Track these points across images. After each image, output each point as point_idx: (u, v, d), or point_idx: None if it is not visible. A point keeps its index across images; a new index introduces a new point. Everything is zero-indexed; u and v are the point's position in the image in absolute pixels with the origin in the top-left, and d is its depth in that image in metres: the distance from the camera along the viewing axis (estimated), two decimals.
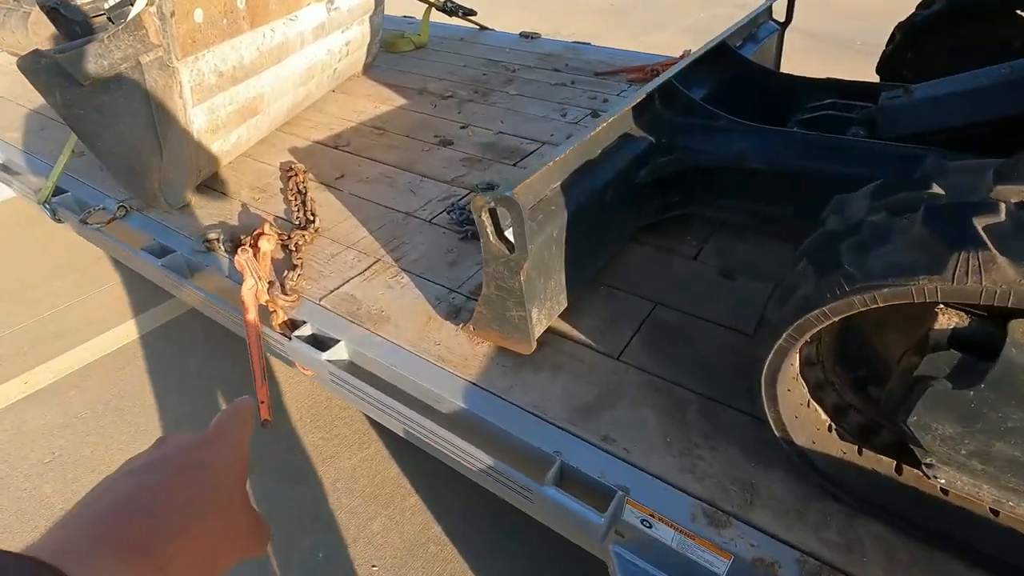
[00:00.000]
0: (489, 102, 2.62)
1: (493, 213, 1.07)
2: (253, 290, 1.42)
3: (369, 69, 2.97)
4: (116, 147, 1.77)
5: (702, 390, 1.18)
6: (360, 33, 2.61)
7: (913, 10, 2.07)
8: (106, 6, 2.20)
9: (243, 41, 1.78)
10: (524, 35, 3.48)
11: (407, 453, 1.99)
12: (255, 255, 1.49)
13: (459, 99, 2.66)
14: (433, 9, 3.44)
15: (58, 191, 2.09)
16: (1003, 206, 0.71)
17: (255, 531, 0.39)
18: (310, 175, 2.04)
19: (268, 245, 1.54)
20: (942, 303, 0.77)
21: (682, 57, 2.95)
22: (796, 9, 2.26)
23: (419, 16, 3.52)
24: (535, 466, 1.08)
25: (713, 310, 1.38)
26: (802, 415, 0.95)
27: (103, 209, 1.90)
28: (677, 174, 1.54)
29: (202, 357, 2.38)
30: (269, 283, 1.46)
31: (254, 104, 1.97)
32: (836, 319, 0.78)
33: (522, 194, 1.05)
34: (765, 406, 0.92)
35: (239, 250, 1.45)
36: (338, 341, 1.35)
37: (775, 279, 1.47)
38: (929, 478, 0.87)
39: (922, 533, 0.90)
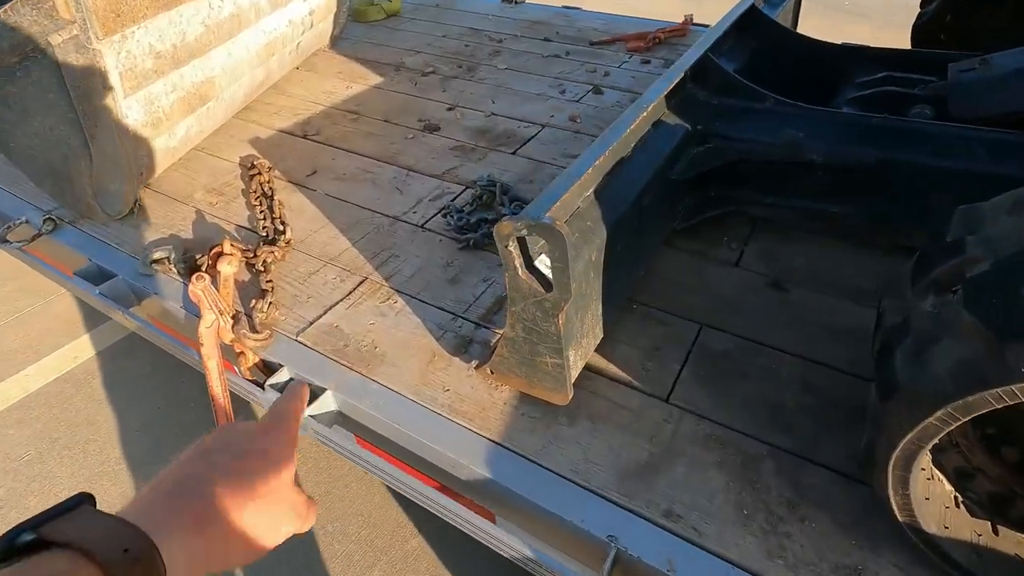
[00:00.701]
0: (476, 79, 2.32)
1: (522, 242, 0.83)
2: (214, 328, 1.15)
3: (337, 42, 2.63)
4: (32, 147, 1.45)
5: (775, 440, 0.97)
6: (325, 1, 2.27)
7: None
8: None
9: (184, 14, 1.46)
10: (506, 0, 3.15)
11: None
12: (214, 282, 1.21)
13: (442, 75, 2.36)
14: None
15: None
16: None
17: (301, 511, 0.43)
18: (276, 172, 1.75)
19: (230, 268, 1.27)
20: None
21: (685, 24, 2.69)
22: None
23: None
24: (584, 553, 0.87)
25: (770, 333, 1.17)
26: (932, 493, 0.75)
27: (26, 222, 1.59)
28: (718, 168, 1.31)
29: (165, 379, 2.10)
30: (234, 317, 1.19)
31: (204, 89, 1.65)
32: (983, 410, 0.57)
33: (561, 217, 0.80)
34: (890, 490, 0.72)
35: (194, 277, 1.18)
36: (324, 390, 1.10)
37: (834, 288, 1.29)
38: None
39: None
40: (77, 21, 1.20)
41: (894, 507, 0.73)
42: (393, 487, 1.10)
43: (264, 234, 1.46)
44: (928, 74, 1.41)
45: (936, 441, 0.67)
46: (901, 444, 0.67)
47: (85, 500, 0.34)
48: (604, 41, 2.62)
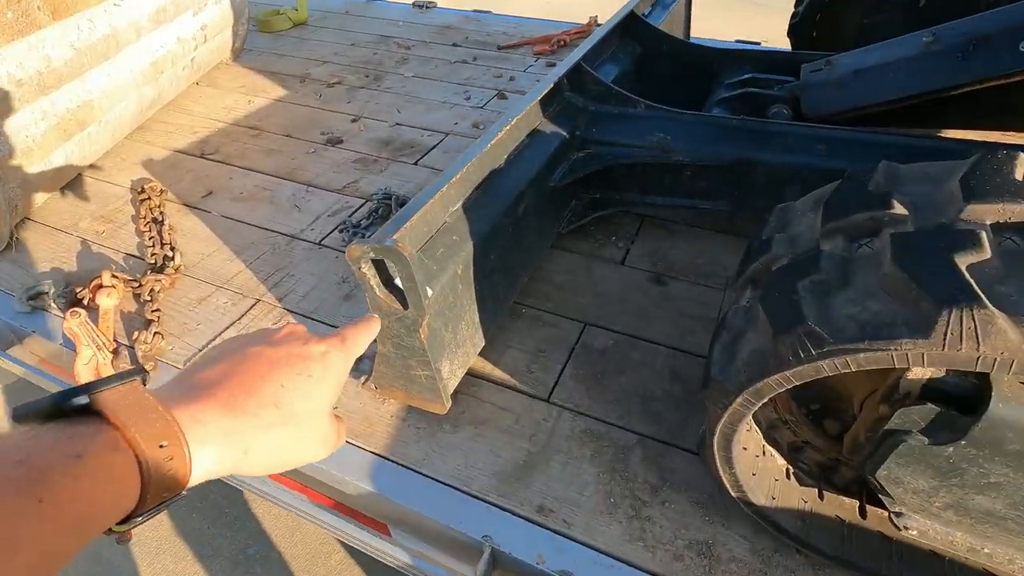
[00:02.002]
0: (383, 88, 2.32)
1: (379, 263, 0.85)
2: (92, 364, 1.12)
3: (240, 54, 2.57)
4: None
5: (644, 429, 1.04)
6: (219, 13, 2.22)
7: None
8: None
9: (46, 38, 1.40)
10: (417, 5, 3.16)
11: None
12: (94, 316, 1.18)
13: (348, 86, 2.35)
14: None
15: None
16: (984, 235, 0.58)
17: (331, 439, 0.43)
18: (169, 195, 1.70)
19: (110, 300, 1.24)
20: None
21: (590, 25, 2.76)
22: None
23: None
24: (463, 551, 0.91)
25: (648, 327, 1.24)
26: (759, 469, 0.83)
27: None
28: (596, 173, 1.37)
29: None
30: (113, 351, 1.16)
31: (81, 114, 1.59)
32: (798, 381, 0.64)
33: (408, 239, 0.83)
34: (719, 470, 0.79)
35: (68, 313, 1.15)
36: None
37: (712, 279, 1.37)
38: (899, 528, 0.77)
39: None
40: None
41: (726, 484, 0.80)
42: (285, 509, 1.11)
43: (152, 261, 1.42)
44: (788, 74, 1.52)
45: (747, 424, 0.74)
46: (718, 428, 0.73)
47: (137, 375, 0.35)
48: (511, 45, 2.66)
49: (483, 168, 1.10)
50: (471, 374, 1.14)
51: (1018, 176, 0.65)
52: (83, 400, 0.32)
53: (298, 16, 2.96)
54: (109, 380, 0.33)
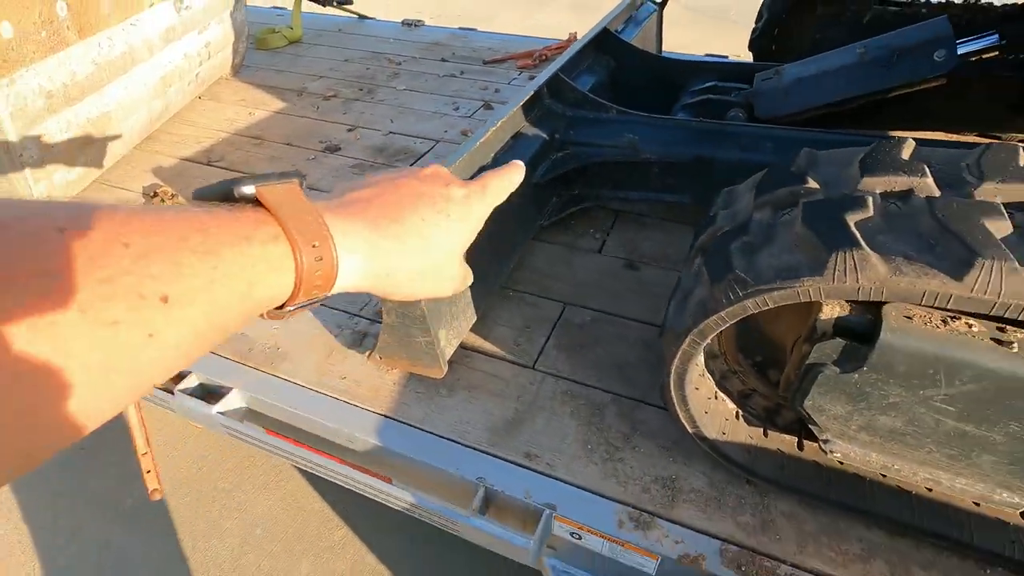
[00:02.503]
0: (376, 100, 2.48)
1: None
2: None
3: (240, 70, 2.71)
4: None
5: (618, 390, 1.18)
6: (221, 32, 2.37)
7: None
8: None
9: (72, 55, 1.54)
10: (407, 23, 3.33)
11: (327, 483, 1.88)
12: None
13: (343, 99, 2.50)
14: (306, 0, 3.20)
15: None
16: (870, 200, 0.74)
17: (458, 280, 0.46)
18: (179, 198, 1.83)
19: None
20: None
21: (569, 41, 2.95)
22: None
23: (289, 6, 3.26)
24: (460, 495, 1.04)
25: (621, 305, 1.39)
26: (711, 409, 0.97)
27: None
28: (574, 170, 1.53)
29: None
30: None
31: (100, 124, 1.73)
32: (732, 321, 0.80)
33: None
34: (676, 407, 0.93)
35: None
36: (230, 389, 1.22)
37: (680, 265, 1.53)
38: (826, 453, 0.92)
39: (826, 504, 0.96)
40: None
41: (683, 421, 0.95)
42: (304, 467, 1.23)
43: None
44: (745, 83, 1.70)
45: (696, 363, 0.89)
46: (672, 368, 0.88)
47: (296, 177, 0.36)
48: (496, 60, 2.84)
49: (472, 165, 1.25)
50: (464, 347, 1.28)
51: (904, 156, 0.81)
52: (250, 190, 0.34)
53: (293, 34, 3.12)
54: (272, 176, 0.36)
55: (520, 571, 1.57)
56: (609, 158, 1.51)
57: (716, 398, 1.00)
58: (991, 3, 1.62)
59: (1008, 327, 0.72)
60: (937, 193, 0.74)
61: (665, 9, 2.43)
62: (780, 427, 1.02)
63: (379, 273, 0.39)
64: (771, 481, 0.97)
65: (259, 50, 3.00)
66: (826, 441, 0.91)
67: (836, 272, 0.68)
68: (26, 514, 1.81)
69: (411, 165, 1.99)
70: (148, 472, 1.21)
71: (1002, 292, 0.62)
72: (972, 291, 0.63)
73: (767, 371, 1.03)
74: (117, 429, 2.04)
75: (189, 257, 0.29)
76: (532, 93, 1.46)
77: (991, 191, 0.72)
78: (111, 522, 1.79)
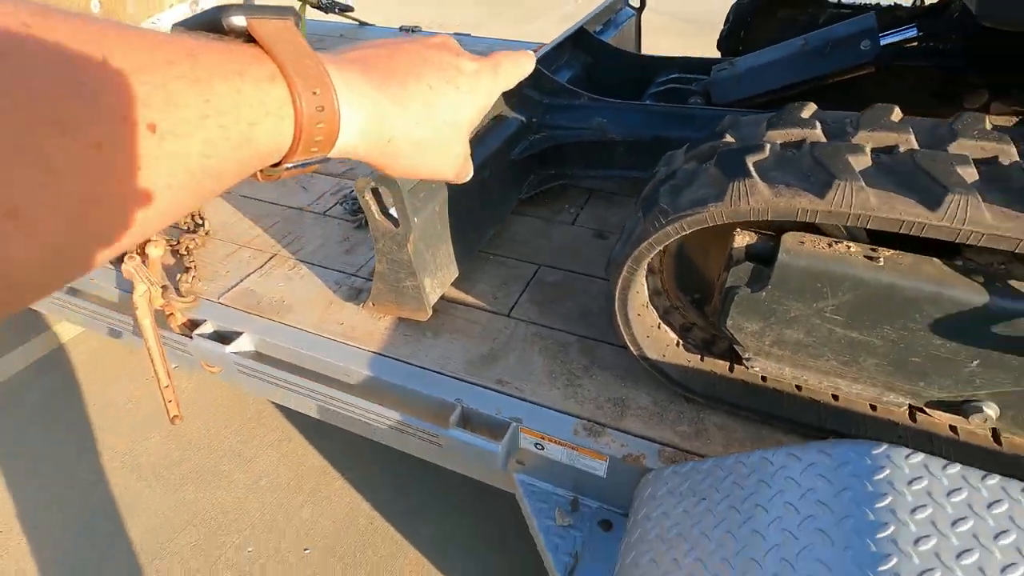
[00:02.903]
0: None
1: (376, 193, 1.17)
2: (146, 295, 1.42)
3: None
4: None
5: (581, 332, 1.35)
6: None
7: None
8: None
9: None
10: (404, 29, 3.54)
11: (327, 441, 2.05)
12: (143, 262, 1.48)
13: None
14: (308, 7, 3.41)
15: None
16: (768, 146, 0.92)
17: (460, 164, 0.44)
18: None
19: (156, 251, 1.53)
20: (738, 226, 0.98)
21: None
22: None
23: None
24: (441, 414, 1.21)
25: (589, 267, 1.56)
26: (653, 335, 1.14)
27: None
28: (549, 149, 1.71)
29: (40, 429, 2.28)
30: (162, 287, 1.46)
31: None
32: (660, 247, 0.97)
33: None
34: (621, 329, 1.10)
35: (126, 258, 1.44)
36: (241, 334, 1.39)
37: None
38: (749, 369, 1.09)
39: (752, 415, 1.13)
40: None
41: (629, 344, 1.12)
42: (308, 398, 1.39)
43: (185, 227, 1.73)
44: (704, 74, 1.89)
45: (637, 290, 1.06)
46: (616, 294, 1.05)
47: (296, 15, 0.33)
48: None
49: None
50: (447, 299, 1.45)
51: (804, 116, 0.99)
52: (241, 20, 0.30)
53: None
54: (266, 9, 0.31)
55: (492, 508, 1.74)
56: (581, 139, 1.69)
57: (659, 328, 1.17)
58: (921, 4, 1.82)
59: (879, 248, 0.89)
60: (823, 140, 0.92)
61: (660, 21, 2.62)
62: (715, 354, 1.19)
63: (380, 137, 0.36)
64: (705, 397, 1.14)
65: None
66: (748, 359, 1.08)
67: (732, 197, 0.86)
68: (54, 469, 1.97)
69: None
70: (170, 401, 1.37)
71: (853, 205, 0.79)
72: (832, 206, 0.80)
73: (703, 307, 1.20)
74: (131, 394, 2.21)
75: (177, 83, 0.25)
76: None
77: (864, 138, 0.90)
78: (128, 474, 1.94)
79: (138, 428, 2.09)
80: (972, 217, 0.73)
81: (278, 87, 0.30)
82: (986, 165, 0.80)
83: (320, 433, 2.05)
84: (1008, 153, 0.81)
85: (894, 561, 0.62)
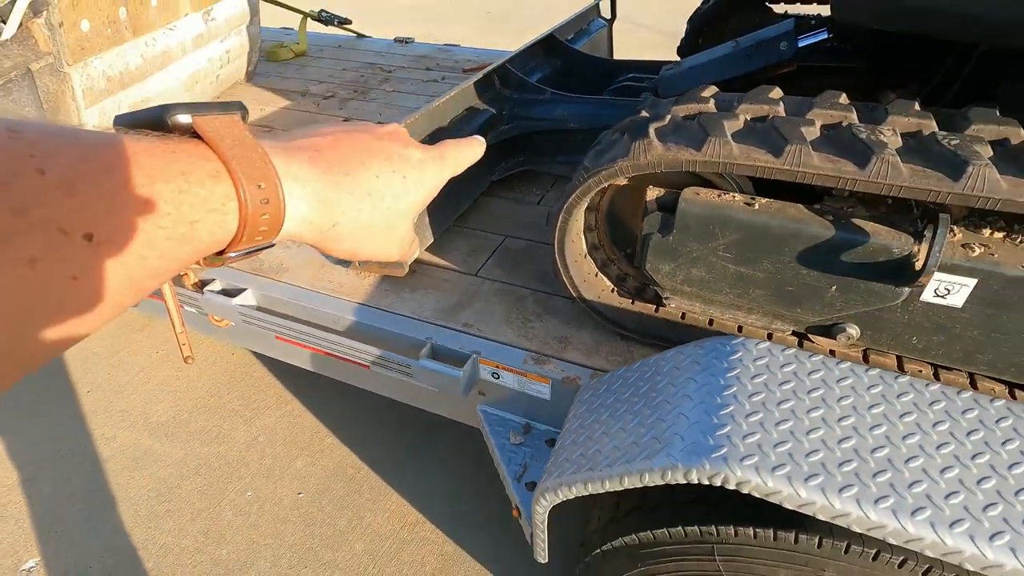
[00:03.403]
0: (368, 99, 2.92)
1: None
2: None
3: (252, 77, 3.17)
4: None
5: (538, 288, 1.58)
6: (238, 42, 2.82)
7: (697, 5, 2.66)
8: None
9: (127, 48, 1.98)
10: (398, 40, 3.81)
11: (322, 405, 2.26)
12: None
13: (340, 98, 2.95)
14: (310, 19, 3.68)
15: None
16: (670, 117, 1.15)
17: (406, 245, 0.45)
18: None
19: None
20: (649, 184, 1.21)
21: None
22: (651, 9, 2.78)
23: (296, 26, 3.74)
24: (413, 351, 1.43)
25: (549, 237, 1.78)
26: (590, 280, 1.37)
27: None
28: (517, 138, 1.95)
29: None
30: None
31: (141, 107, 2.16)
32: (585, 199, 1.20)
33: None
34: (561, 273, 1.33)
35: None
36: (245, 290, 1.61)
37: None
38: (667, 307, 1.31)
39: (670, 346, 1.34)
40: (52, 52, 1.70)
41: (568, 286, 1.34)
42: (302, 344, 1.61)
43: None
44: (656, 74, 2.13)
45: (572, 239, 1.28)
46: (555, 241, 1.28)
47: (238, 109, 0.34)
48: (473, 68, 3.30)
49: (432, 122, 1.67)
50: (422, 262, 1.68)
51: (704, 95, 1.22)
52: (186, 118, 0.31)
53: (299, 48, 3.59)
54: (211, 106, 0.32)
55: (469, 465, 1.94)
56: (545, 128, 1.93)
57: (596, 276, 1.39)
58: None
59: (756, 197, 1.12)
60: (714, 112, 1.15)
61: (651, 36, 2.88)
62: (644, 300, 1.41)
63: (324, 224, 0.37)
64: (635, 332, 1.36)
65: (269, 62, 3.46)
66: (666, 297, 1.30)
67: (635, 153, 1.09)
68: (71, 426, 2.18)
69: None
70: (183, 344, 1.59)
71: (721, 155, 1.02)
72: (705, 156, 1.03)
73: (634, 259, 1.43)
74: (142, 365, 2.42)
75: (116, 191, 0.26)
76: (484, 75, 1.89)
77: (743, 110, 1.13)
78: (140, 432, 2.15)
79: (150, 393, 2.31)
80: (804, 162, 0.96)
81: (222, 184, 0.31)
82: (828, 127, 1.03)
83: (314, 400, 2.27)
84: (849, 118, 1.05)
85: (731, 408, 0.83)
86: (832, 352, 1.25)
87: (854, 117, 1.05)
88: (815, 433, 0.79)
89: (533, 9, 7.57)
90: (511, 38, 6.65)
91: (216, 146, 0.31)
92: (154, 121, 0.32)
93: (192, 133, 0.32)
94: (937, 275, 1.01)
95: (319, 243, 0.39)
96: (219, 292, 1.64)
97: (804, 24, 1.86)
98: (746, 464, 0.75)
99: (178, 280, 1.68)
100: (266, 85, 3.12)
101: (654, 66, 2.24)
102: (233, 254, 0.34)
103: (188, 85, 2.46)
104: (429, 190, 0.46)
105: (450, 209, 1.75)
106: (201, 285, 1.68)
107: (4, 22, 1.92)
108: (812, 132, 1.01)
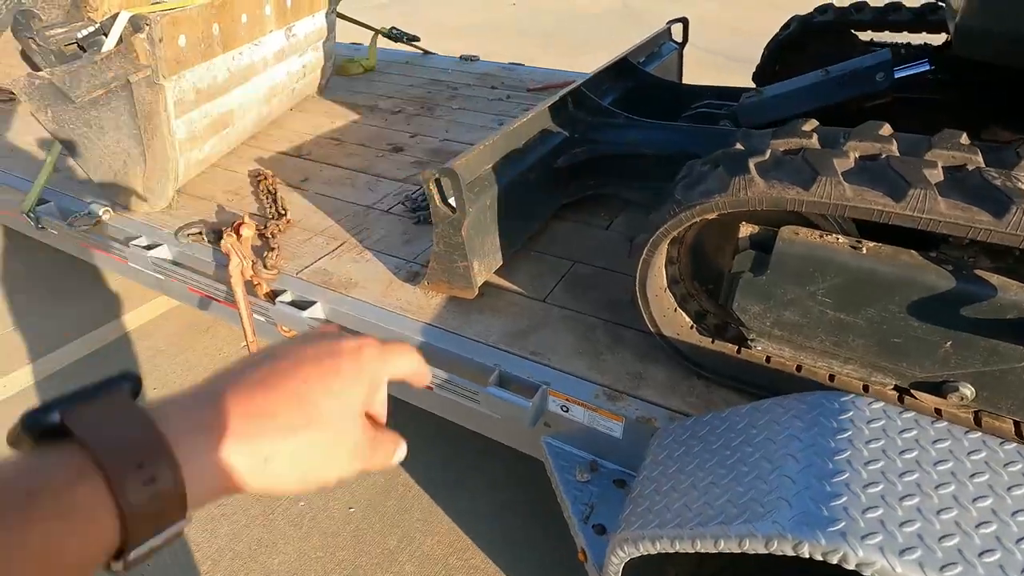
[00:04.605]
0: (434, 115, 2.96)
1: (439, 183, 1.40)
2: (239, 267, 1.68)
3: (324, 90, 3.26)
4: (103, 158, 2.00)
5: (608, 317, 1.53)
6: (315, 57, 2.92)
7: (776, 31, 2.57)
8: (78, 36, 2.42)
9: (217, 63, 2.06)
10: (464, 58, 3.87)
11: None
12: (238, 239, 1.75)
13: (407, 114, 3.00)
14: (380, 36, 3.78)
15: (40, 202, 2.27)
16: (770, 151, 1.09)
17: (364, 451, 0.39)
18: (278, 179, 2.31)
19: (248, 232, 1.81)
20: (743, 220, 1.15)
21: None
22: (719, 35, 2.73)
23: (367, 43, 3.85)
24: (481, 376, 1.40)
25: (619, 265, 1.74)
26: (669, 316, 1.31)
27: (87, 214, 2.11)
28: (588, 161, 1.92)
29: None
30: (252, 261, 1.72)
31: (225, 118, 2.24)
32: (674, 232, 1.15)
33: (459, 167, 1.38)
34: (641, 307, 1.27)
35: (224, 234, 1.72)
36: (314, 302, 1.63)
37: None
38: (752, 350, 1.24)
39: (756, 391, 1.27)
40: (151, 66, 1.78)
41: (647, 320, 1.29)
42: None
43: (271, 216, 2.01)
44: (734, 101, 2.06)
45: (655, 273, 1.23)
46: (637, 273, 1.23)
47: (122, 383, 0.31)
48: (538, 88, 3.30)
49: (508, 145, 1.66)
50: (492, 285, 1.65)
51: (806, 129, 1.16)
52: (54, 418, 0.29)
53: (368, 64, 3.69)
54: (86, 393, 0.30)
55: (521, 491, 1.89)
56: (616, 152, 1.89)
57: (676, 311, 1.33)
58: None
59: (863, 240, 1.05)
60: (818, 148, 1.09)
61: (713, 60, 2.83)
62: (724, 338, 1.34)
63: (252, 465, 0.33)
64: (714, 373, 1.29)
65: (340, 76, 3.57)
66: (752, 339, 1.23)
67: (734, 189, 1.03)
68: None
69: None
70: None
71: (832, 196, 0.95)
72: (815, 196, 0.96)
73: (717, 296, 1.36)
74: (206, 365, 2.48)
75: None
76: (558, 98, 1.87)
77: (852, 146, 1.06)
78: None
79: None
80: (930, 207, 0.89)
81: (89, 481, 0.28)
82: (952, 170, 0.95)
83: None
84: (974, 162, 0.96)
85: (845, 475, 0.76)
86: (938, 411, 1.15)
87: (980, 160, 0.97)
88: (947, 514, 0.71)
89: (582, 28, 7.58)
90: (564, 57, 6.66)
91: (84, 438, 0.28)
92: (32, 433, 0.29)
93: (67, 433, 0.29)
94: None
95: (257, 489, 0.34)
96: (290, 303, 1.66)
97: (899, 54, 1.76)
98: (869, 543, 0.68)
99: (251, 289, 1.72)
100: (337, 98, 3.21)
101: (730, 92, 2.17)
102: (132, 553, 0.29)
103: (267, 97, 2.54)
104: (372, 378, 0.40)
105: (520, 230, 1.72)
106: (273, 296, 1.70)
107: (106, 35, 2.03)
108: (935, 175, 0.93)
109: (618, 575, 1.00)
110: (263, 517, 1.92)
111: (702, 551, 0.83)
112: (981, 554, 0.66)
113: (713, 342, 1.33)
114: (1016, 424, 1.08)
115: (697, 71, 2.99)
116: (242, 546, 1.84)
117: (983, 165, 0.96)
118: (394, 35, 3.80)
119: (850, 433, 0.83)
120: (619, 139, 1.89)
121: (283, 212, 2.02)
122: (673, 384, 1.32)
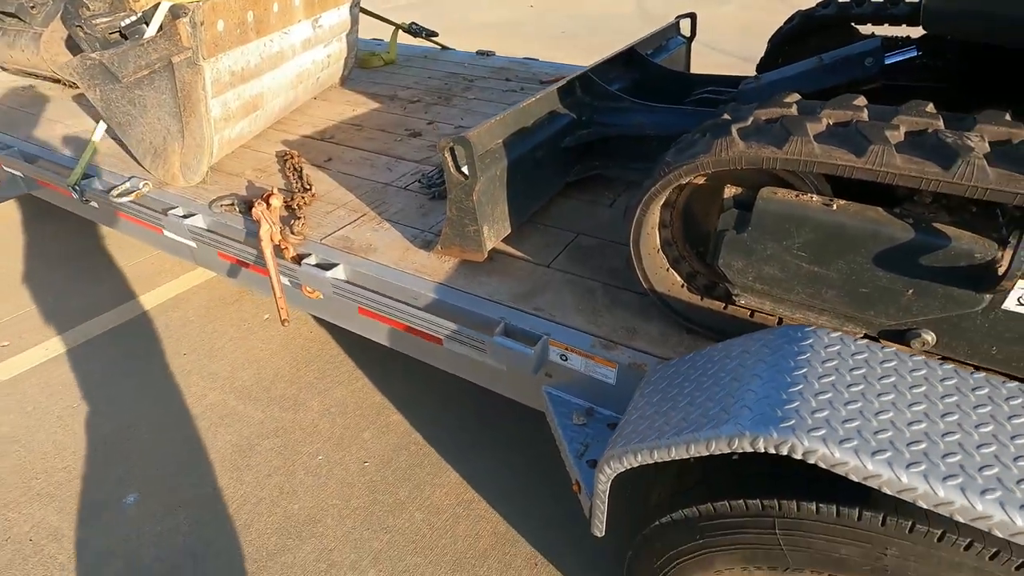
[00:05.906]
0: (451, 105, 3.10)
1: (453, 152, 1.53)
2: (269, 233, 1.83)
3: (346, 81, 3.43)
4: (143, 133, 2.17)
5: (607, 281, 1.65)
6: (339, 48, 3.07)
7: (779, 25, 2.68)
8: (121, 25, 2.60)
9: (250, 48, 2.22)
10: (480, 53, 4.01)
11: (389, 384, 2.40)
12: (268, 208, 1.90)
13: (425, 103, 3.14)
14: (400, 31, 3.94)
15: (84, 177, 2.45)
16: (752, 119, 1.21)
17: None
18: (303, 158, 2.47)
19: (277, 202, 1.96)
20: (727, 183, 1.27)
21: None
22: (727, 33, 2.84)
23: (387, 38, 4.01)
24: (489, 329, 1.52)
25: (621, 236, 1.85)
26: (661, 274, 1.43)
27: (128, 187, 2.28)
28: (594, 142, 2.04)
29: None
30: (280, 227, 1.87)
31: (256, 101, 2.40)
32: (664, 192, 1.27)
33: (472, 137, 1.51)
34: (635, 264, 1.39)
35: (255, 203, 1.87)
36: (337, 264, 1.77)
37: None
38: (737, 305, 1.35)
39: None
40: (192, 47, 1.94)
41: (640, 278, 1.40)
42: (383, 317, 1.74)
43: (297, 190, 2.16)
44: (734, 88, 2.17)
45: (648, 232, 1.35)
46: (631, 234, 1.35)
47: None
48: (551, 80, 3.43)
49: (518, 122, 1.78)
50: (500, 251, 1.78)
51: (787, 100, 1.27)
52: None
53: (389, 57, 3.85)
54: None
55: (529, 450, 2.01)
56: (621, 134, 2.01)
57: (668, 271, 1.45)
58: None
59: (834, 198, 1.16)
60: (797, 115, 1.20)
61: (715, 56, 2.93)
62: (713, 297, 1.45)
63: None
64: (700, 326, 1.40)
65: (362, 68, 3.73)
66: (737, 294, 1.34)
67: (716, 150, 1.15)
68: (165, 385, 2.42)
69: None
70: (282, 308, 1.76)
71: (802, 153, 1.06)
72: (788, 155, 1.08)
73: (706, 258, 1.47)
74: (231, 335, 2.64)
75: None
76: (566, 82, 2.00)
77: (827, 114, 1.17)
78: (227, 393, 2.36)
79: (237, 360, 2.53)
80: (887, 162, 1.00)
81: None
82: (913, 133, 1.06)
83: (384, 377, 2.41)
84: (934, 125, 1.07)
85: (801, 386, 0.87)
86: None
87: (940, 124, 1.07)
88: (884, 414, 0.82)
89: (601, 27, 7.70)
90: (580, 55, 6.79)
91: None
92: None
93: None
94: (1021, 283, 1.02)
95: None
96: (314, 265, 1.81)
97: (892, 43, 1.86)
98: (814, 435, 0.79)
99: (279, 253, 1.86)
100: (359, 89, 3.37)
101: (733, 80, 2.28)
102: None
103: (294, 83, 2.70)
104: None
105: (527, 201, 1.85)
106: (299, 259, 1.85)
107: (147, 24, 2.20)
108: (896, 136, 1.04)
109: (606, 492, 1.12)
110: (284, 468, 2.06)
111: (677, 458, 0.95)
112: (909, 444, 0.77)
113: (702, 299, 1.44)
114: (975, 368, 1.18)
115: (709, 70, 3.09)
116: (264, 493, 1.98)
117: (942, 128, 1.06)
118: (413, 30, 3.96)
119: (808, 355, 0.94)
120: (624, 121, 2.01)
121: (308, 187, 2.17)
122: (664, 337, 1.43)
